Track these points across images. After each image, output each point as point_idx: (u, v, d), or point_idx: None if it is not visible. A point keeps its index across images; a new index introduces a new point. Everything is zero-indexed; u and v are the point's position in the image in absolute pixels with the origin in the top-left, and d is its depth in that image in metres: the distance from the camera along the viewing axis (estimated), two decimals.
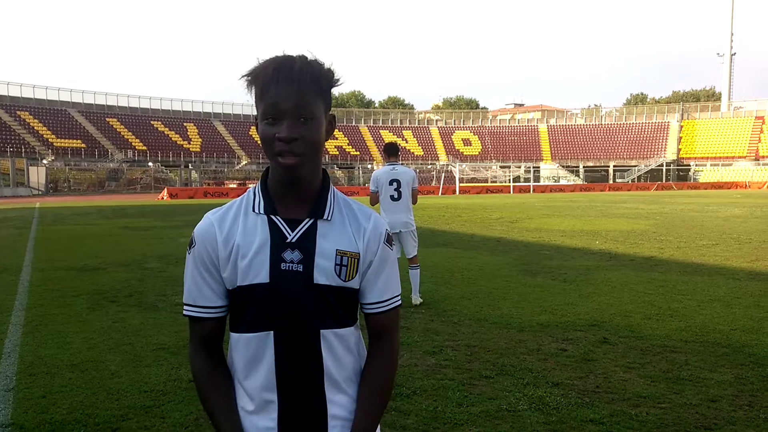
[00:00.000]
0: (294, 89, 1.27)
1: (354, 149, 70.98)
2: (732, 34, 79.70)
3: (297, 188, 1.36)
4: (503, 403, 3.94)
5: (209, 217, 1.39)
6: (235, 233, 1.35)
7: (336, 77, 1.35)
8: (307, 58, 1.31)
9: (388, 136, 76.39)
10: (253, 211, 1.37)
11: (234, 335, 1.38)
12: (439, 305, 6.95)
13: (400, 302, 1.47)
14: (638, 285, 8.07)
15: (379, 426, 1.47)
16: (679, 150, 73.03)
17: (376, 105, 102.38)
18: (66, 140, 58.66)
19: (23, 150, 54.41)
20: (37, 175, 52.67)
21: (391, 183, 6.94)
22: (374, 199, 7.07)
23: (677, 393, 4.11)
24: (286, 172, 1.32)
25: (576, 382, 4.33)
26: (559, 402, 3.96)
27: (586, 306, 6.81)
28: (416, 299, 6.88)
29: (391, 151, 7.14)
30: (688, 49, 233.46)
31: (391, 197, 6.95)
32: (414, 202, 7.09)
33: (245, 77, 1.33)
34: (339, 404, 1.38)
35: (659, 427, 3.57)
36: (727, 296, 7.28)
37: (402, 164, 7.27)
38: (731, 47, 79.73)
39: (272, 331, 1.33)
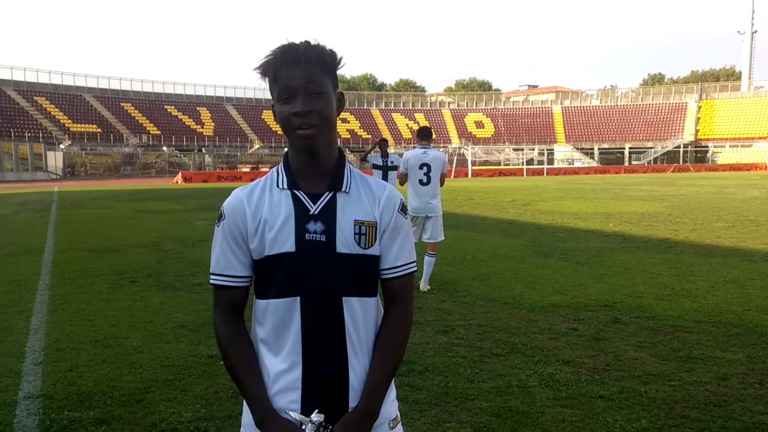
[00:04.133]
0: (302, 68, 1.40)
1: (366, 132, 70.78)
2: (753, 11, 77.97)
3: (316, 161, 1.46)
4: (513, 380, 4.02)
5: (238, 193, 1.50)
6: (262, 208, 1.46)
7: (339, 57, 1.46)
8: (310, 42, 1.43)
9: (399, 119, 76.15)
10: (278, 187, 1.48)
11: (262, 302, 1.47)
12: (451, 286, 7.02)
13: (415, 268, 1.56)
14: (651, 266, 8.08)
15: (395, 389, 1.56)
16: (697, 131, 71.90)
17: (388, 88, 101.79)
18: (82, 125, 59.18)
19: (41, 135, 55.01)
20: (55, 160, 53.24)
21: (421, 167, 6.94)
22: (403, 180, 7.16)
23: (687, 371, 4.16)
24: (304, 143, 1.43)
25: (586, 360, 4.40)
26: (569, 379, 4.03)
27: (598, 287, 6.85)
28: (425, 286, 6.79)
29: (424, 135, 7.16)
30: (707, 27, 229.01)
31: (420, 181, 6.96)
32: (441, 184, 7.08)
33: (258, 69, 1.45)
34: (359, 368, 1.47)
35: (668, 404, 3.63)
36: (742, 277, 7.28)
37: (433, 148, 7.27)
38: (752, 25, 77.98)
39: (299, 297, 1.43)
